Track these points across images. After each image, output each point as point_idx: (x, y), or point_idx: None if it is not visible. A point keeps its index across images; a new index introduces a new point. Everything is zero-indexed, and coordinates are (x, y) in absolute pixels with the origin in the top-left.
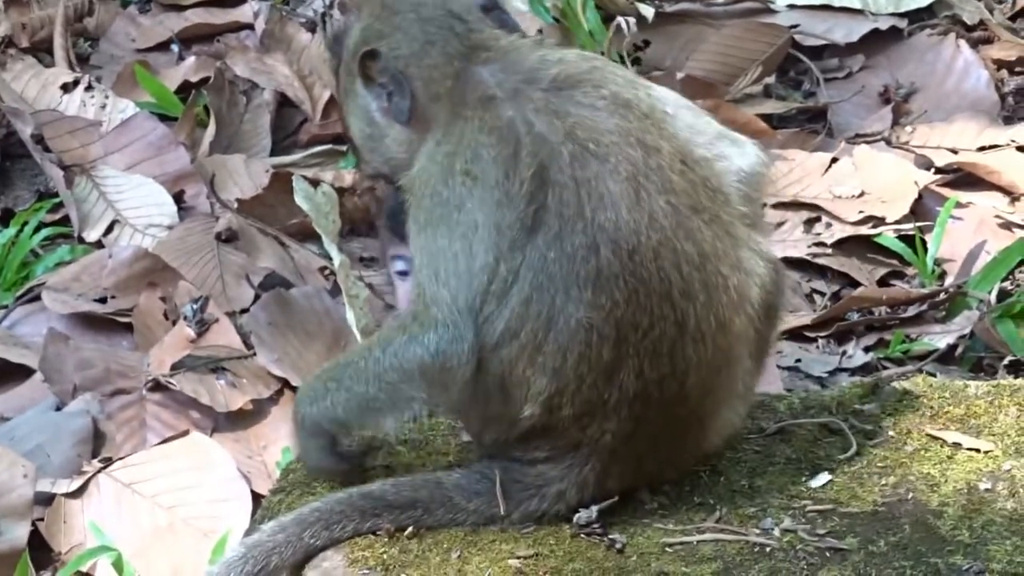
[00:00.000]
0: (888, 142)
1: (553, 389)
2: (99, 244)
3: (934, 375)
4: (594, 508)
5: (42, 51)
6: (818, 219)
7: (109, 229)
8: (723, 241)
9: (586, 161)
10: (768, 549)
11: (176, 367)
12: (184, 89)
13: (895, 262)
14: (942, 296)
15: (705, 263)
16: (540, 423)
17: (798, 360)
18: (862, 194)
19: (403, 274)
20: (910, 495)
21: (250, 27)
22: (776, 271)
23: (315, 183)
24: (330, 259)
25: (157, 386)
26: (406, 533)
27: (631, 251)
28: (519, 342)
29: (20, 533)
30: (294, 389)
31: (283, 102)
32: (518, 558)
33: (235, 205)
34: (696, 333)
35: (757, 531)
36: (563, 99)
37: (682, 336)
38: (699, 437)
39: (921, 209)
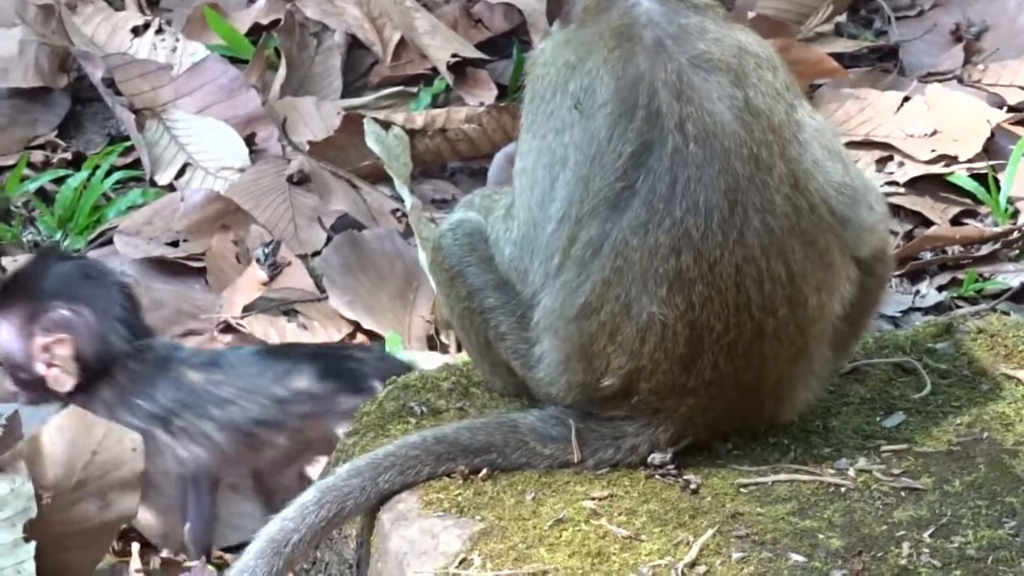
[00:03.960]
0: (960, 81)
1: (632, 367)
2: (171, 187)
3: (1008, 314)
4: (669, 449)
5: None
6: (890, 158)
7: (181, 172)
8: (814, 264)
9: (687, 159)
10: (843, 489)
11: (248, 309)
12: (254, 32)
13: (968, 201)
14: (1015, 235)
15: (792, 281)
16: (620, 391)
17: None
18: (934, 133)
19: None
20: (985, 434)
21: None
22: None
23: (386, 125)
24: (402, 201)
25: (228, 328)
26: (480, 475)
27: (712, 263)
28: (598, 319)
29: (130, 504)
30: (366, 332)
31: (353, 44)
32: (592, 499)
33: (306, 147)
34: (773, 338)
35: (832, 471)
36: (697, 80)
37: (760, 339)
38: (774, 411)
39: (993, 148)
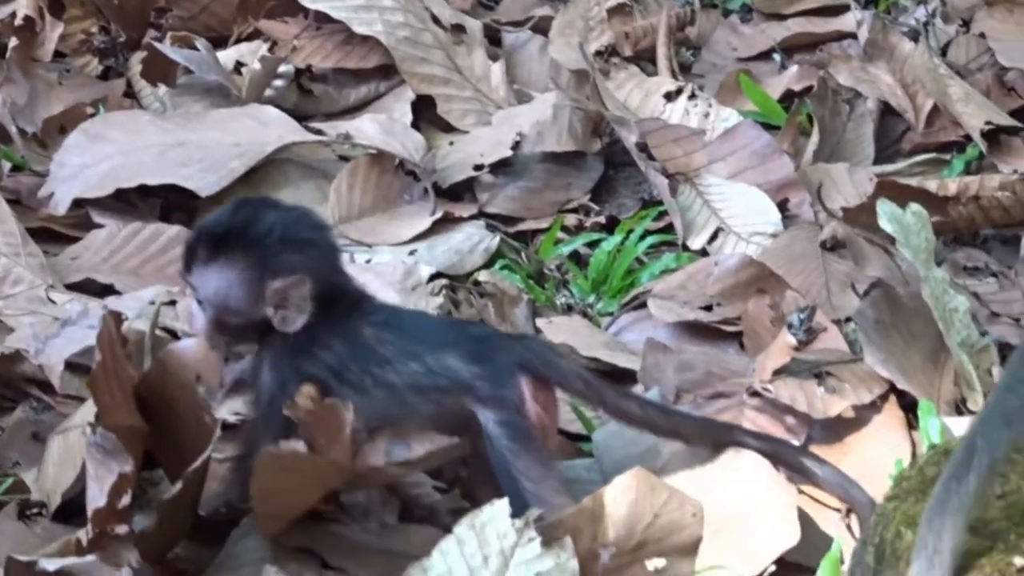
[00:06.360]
0: None
1: None
2: (703, 252)
3: None
4: None
5: (644, 60)
6: None
7: (713, 237)
8: None
9: None
10: None
11: (779, 373)
12: (786, 98)
13: None
14: None
15: None
16: None
17: None
18: None
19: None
20: None
21: (852, 36)
22: None
23: (919, 191)
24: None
25: (757, 393)
26: None
27: None
28: None
29: (686, 569)
30: (899, 392)
31: (886, 111)
32: None
33: (840, 213)
34: None
35: None
36: None
37: None
38: None
39: None
